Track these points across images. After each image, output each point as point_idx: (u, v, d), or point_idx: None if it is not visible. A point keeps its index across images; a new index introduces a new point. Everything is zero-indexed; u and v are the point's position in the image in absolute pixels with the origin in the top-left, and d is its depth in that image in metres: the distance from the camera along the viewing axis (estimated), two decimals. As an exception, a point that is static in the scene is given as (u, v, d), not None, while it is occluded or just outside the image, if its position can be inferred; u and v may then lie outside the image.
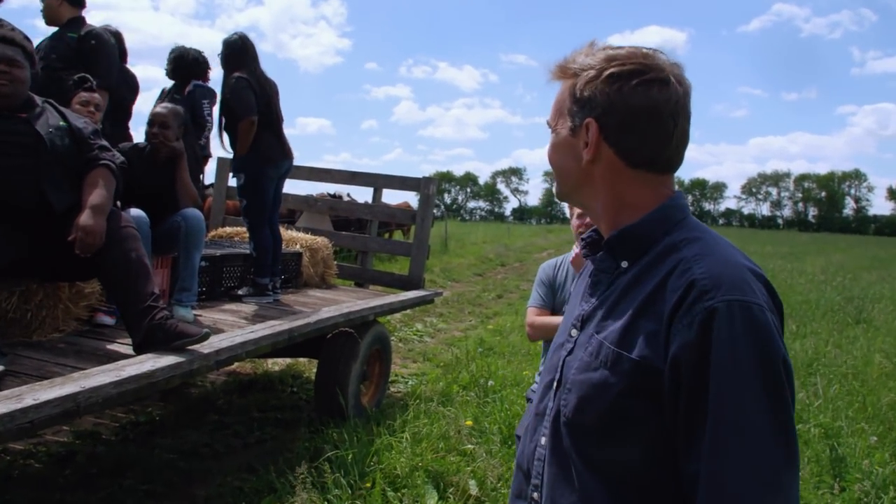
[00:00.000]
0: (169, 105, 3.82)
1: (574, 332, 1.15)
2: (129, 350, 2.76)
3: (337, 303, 4.67)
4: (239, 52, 4.46)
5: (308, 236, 5.68)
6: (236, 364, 6.07)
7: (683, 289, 0.98)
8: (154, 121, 3.70)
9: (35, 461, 3.72)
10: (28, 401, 1.99)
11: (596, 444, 1.04)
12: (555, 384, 1.15)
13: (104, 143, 3.02)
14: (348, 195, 13.55)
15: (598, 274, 1.16)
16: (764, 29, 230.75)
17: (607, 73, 1.07)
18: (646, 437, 1.00)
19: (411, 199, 15.55)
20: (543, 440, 1.15)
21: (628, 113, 1.06)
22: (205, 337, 2.72)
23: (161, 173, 3.67)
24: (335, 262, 5.92)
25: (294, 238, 5.56)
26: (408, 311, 9.10)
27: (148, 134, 3.74)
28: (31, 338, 2.81)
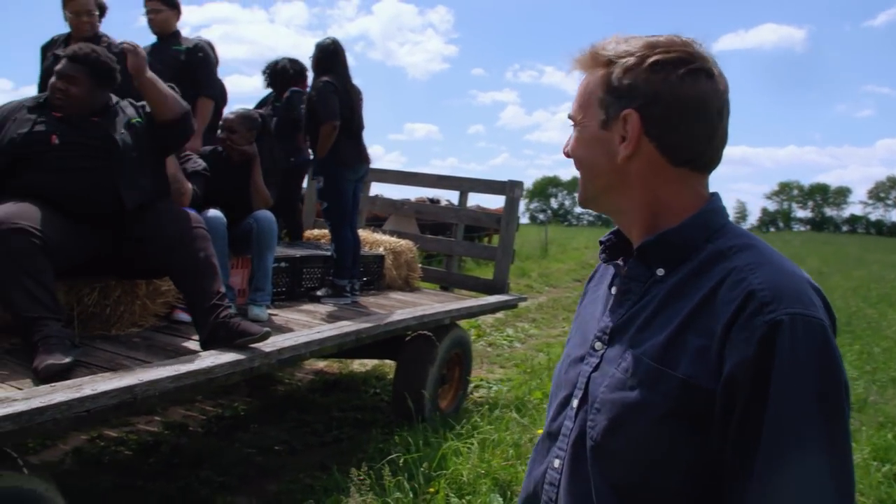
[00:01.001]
0: (240, 110, 3.97)
1: (599, 346, 1.04)
2: (199, 347, 2.87)
3: (415, 306, 4.69)
4: (330, 55, 4.57)
5: (392, 239, 5.74)
6: (324, 364, 6.24)
7: (741, 300, 0.88)
8: (223, 126, 3.86)
9: (125, 448, 3.95)
10: (86, 390, 2.10)
11: (626, 470, 0.95)
12: (576, 402, 1.05)
13: None
14: (448, 200, 13.65)
15: (629, 282, 1.05)
16: (891, 23, 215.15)
17: (651, 60, 0.97)
18: (686, 463, 0.90)
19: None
20: (557, 462, 1.06)
21: (676, 104, 0.97)
22: (265, 336, 2.79)
23: (237, 176, 3.81)
24: (420, 266, 5.96)
25: (378, 241, 5.63)
26: (499, 316, 9.05)
27: (218, 139, 3.90)
28: (110, 331, 2.97)
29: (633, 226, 1.05)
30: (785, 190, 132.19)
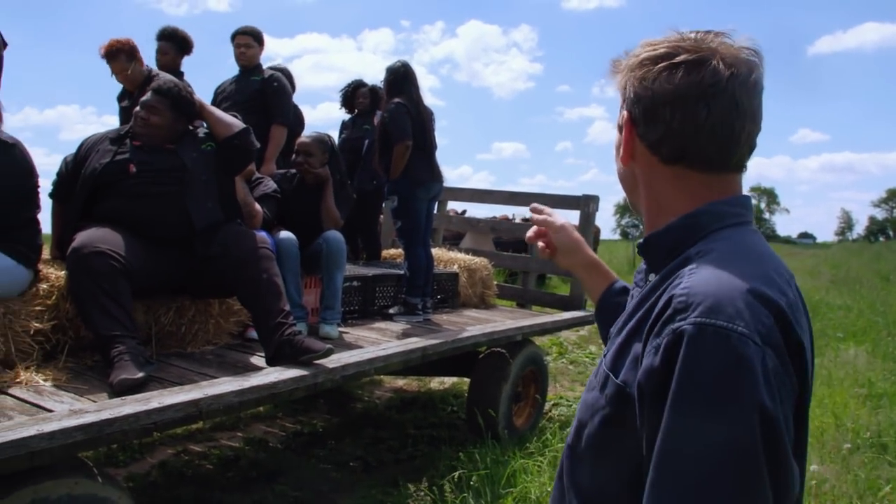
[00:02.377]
0: (313, 134, 4.10)
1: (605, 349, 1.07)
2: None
3: (487, 322, 4.68)
4: (401, 78, 4.68)
5: (467, 257, 5.76)
6: (403, 382, 6.31)
7: (661, 306, 0.85)
8: (299, 150, 3.99)
9: (207, 462, 4.11)
10: (154, 403, 2.21)
11: (584, 472, 0.96)
12: None
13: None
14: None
15: (634, 287, 1.08)
16: None
17: (639, 58, 0.98)
18: (625, 472, 0.89)
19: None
20: None
21: (650, 99, 0.95)
22: (328, 352, 2.85)
23: (308, 198, 3.94)
24: (497, 283, 5.96)
25: (453, 259, 5.67)
26: (582, 333, 8.92)
27: (293, 162, 4.04)
28: (185, 349, 3.12)
29: (646, 229, 1.04)
30: (895, 197, 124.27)
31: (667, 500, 0.77)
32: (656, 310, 0.86)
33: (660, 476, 0.78)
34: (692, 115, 0.93)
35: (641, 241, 1.02)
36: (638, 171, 1.01)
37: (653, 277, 0.98)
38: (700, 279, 0.85)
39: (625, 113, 0.99)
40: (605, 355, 0.99)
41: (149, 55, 4.71)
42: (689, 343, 0.78)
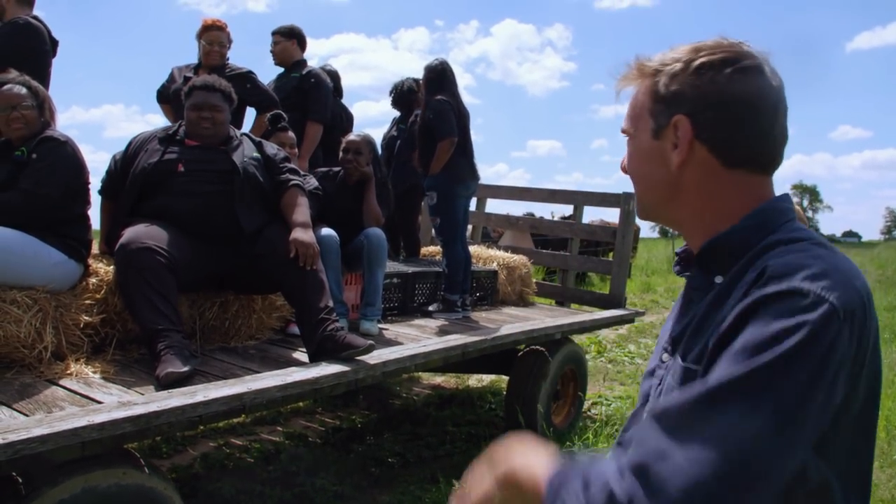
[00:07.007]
0: (361, 133, 4.14)
1: (665, 357, 1.04)
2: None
3: (527, 320, 4.66)
4: (439, 75, 4.69)
5: (506, 254, 5.75)
6: (441, 379, 6.32)
7: (753, 278, 0.86)
8: (349, 148, 4.03)
9: (248, 455, 4.16)
10: (199, 397, 2.24)
11: None
12: (644, 414, 1.05)
13: (293, 166, 3.36)
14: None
15: (692, 292, 1.04)
16: None
17: (697, 63, 0.96)
18: None
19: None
20: None
21: (724, 103, 0.95)
22: (369, 349, 2.86)
23: (351, 196, 3.96)
24: (536, 281, 5.93)
25: (492, 256, 5.66)
26: (622, 332, 8.83)
27: (342, 160, 4.07)
28: (229, 343, 3.17)
29: (694, 235, 1.03)
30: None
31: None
32: (744, 287, 0.87)
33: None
34: (768, 118, 0.96)
35: (705, 244, 0.99)
36: (689, 177, 0.99)
37: (719, 279, 0.97)
38: (796, 258, 0.85)
39: (682, 117, 0.97)
40: (679, 360, 0.97)
41: (191, 54, 4.78)
42: (780, 300, 0.80)
